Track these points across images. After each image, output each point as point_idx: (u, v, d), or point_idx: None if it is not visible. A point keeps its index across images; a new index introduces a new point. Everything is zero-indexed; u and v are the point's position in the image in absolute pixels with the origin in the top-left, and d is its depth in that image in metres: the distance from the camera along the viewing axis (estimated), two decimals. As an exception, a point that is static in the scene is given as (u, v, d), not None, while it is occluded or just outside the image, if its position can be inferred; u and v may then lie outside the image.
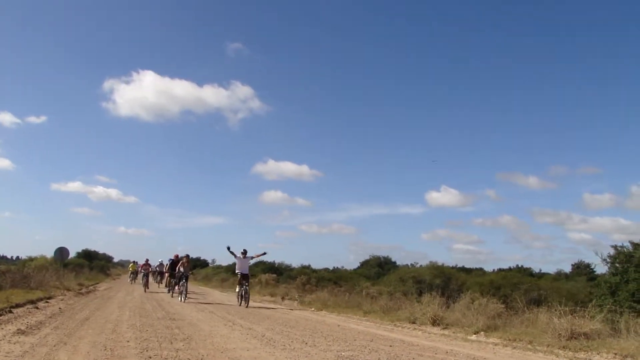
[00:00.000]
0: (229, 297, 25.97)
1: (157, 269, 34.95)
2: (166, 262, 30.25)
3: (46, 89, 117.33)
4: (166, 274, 28.25)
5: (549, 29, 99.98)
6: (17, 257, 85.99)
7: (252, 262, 21.57)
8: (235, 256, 19.96)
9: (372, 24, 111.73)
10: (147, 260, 34.92)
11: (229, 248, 19.79)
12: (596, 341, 9.92)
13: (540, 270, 53.62)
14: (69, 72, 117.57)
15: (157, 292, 27.13)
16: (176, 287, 22.62)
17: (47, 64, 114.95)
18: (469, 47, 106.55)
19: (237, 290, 20.17)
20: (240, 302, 19.30)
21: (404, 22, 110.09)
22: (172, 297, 22.81)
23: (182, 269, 21.45)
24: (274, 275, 41.36)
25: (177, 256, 25.02)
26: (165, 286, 28.38)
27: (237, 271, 20.07)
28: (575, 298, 17.66)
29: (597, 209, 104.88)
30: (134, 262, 43.25)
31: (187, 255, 22.14)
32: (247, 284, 19.60)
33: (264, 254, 21.29)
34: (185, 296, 20.50)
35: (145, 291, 27.51)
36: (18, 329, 9.55)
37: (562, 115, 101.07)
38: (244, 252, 20.13)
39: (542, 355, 9.08)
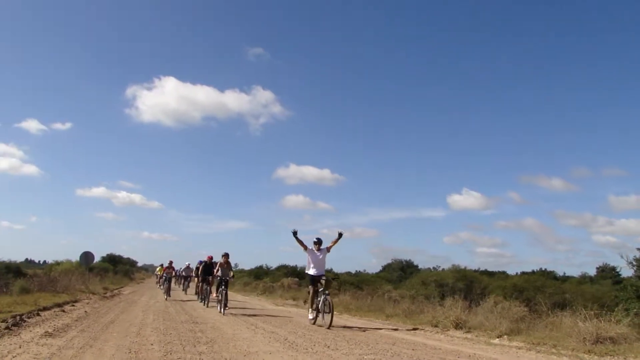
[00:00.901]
0: (278, 307, 24.29)
1: (183, 272, 31.85)
2: (194, 266, 27.95)
3: (71, 96, 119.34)
4: (196, 279, 24.63)
5: (574, 29, 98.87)
6: (45, 262, 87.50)
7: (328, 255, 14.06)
8: (305, 248, 13.73)
9: (393, 27, 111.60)
10: (171, 262, 28.73)
11: (295, 233, 13.48)
12: (623, 345, 9.76)
13: (565, 273, 53.03)
14: (92, 79, 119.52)
15: (184, 300, 23.38)
16: (213, 295, 19.38)
17: (72, 71, 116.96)
18: (491, 49, 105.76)
19: (310, 300, 13.82)
20: (316, 319, 13.42)
21: (425, 25, 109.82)
22: (206, 306, 19.24)
23: (219, 273, 17.64)
24: (296, 279, 41.42)
25: (210, 258, 21.14)
26: (195, 293, 25.16)
27: (310, 272, 13.76)
28: (601, 302, 17.43)
29: (622, 210, 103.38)
30: (161, 265, 37.41)
31: (227, 255, 18.08)
32: (327, 292, 12.95)
33: (341, 235, 13.78)
34: (225, 306, 16.44)
35: (166, 299, 23.70)
36: (45, 332, 9.76)
37: (585, 116, 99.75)
38: (319, 242, 13.84)
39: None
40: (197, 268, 23.81)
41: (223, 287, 17.04)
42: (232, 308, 17.76)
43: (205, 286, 20.58)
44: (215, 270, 18.46)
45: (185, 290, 31.29)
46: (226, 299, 16.69)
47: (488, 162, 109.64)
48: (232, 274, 18.08)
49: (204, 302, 20.15)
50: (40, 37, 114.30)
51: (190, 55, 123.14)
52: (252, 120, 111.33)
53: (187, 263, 31.23)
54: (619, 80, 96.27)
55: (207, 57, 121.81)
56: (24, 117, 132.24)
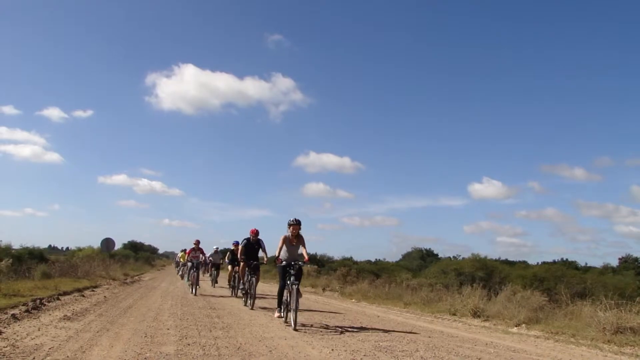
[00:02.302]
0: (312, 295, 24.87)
1: (210, 259, 24.17)
2: (223, 250, 24.07)
3: (91, 84, 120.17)
4: (229, 267, 18.75)
5: (596, 17, 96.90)
6: (67, 248, 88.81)
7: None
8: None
9: (413, 15, 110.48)
10: (198, 242, 20.01)
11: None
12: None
13: (586, 264, 52.18)
14: (112, 67, 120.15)
15: (215, 296, 17.32)
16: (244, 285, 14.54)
17: (92, 59, 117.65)
18: (515, 35, 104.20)
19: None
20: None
21: (447, 13, 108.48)
22: (250, 307, 13.35)
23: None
24: (315, 266, 41.54)
25: (255, 232, 14.17)
26: (230, 285, 19.17)
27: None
28: (622, 292, 17.11)
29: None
30: (183, 250, 31.53)
31: (256, 232, 14.13)
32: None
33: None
34: (254, 299, 13.62)
35: (194, 293, 17.61)
36: (64, 315, 9.88)
37: (608, 105, 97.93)
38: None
39: (585, 349, 8.83)
40: (232, 251, 18.24)
41: (250, 275, 13.77)
42: (257, 299, 15.59)
43: (248, 275, 14.05)
44: (239, 253, 14.42)
45: (213, 282, 23.44)
46: (254, 290, 13.68)
47: (509, 151, 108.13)
48: (265, 258, 14.03)
49: (245, 299, 14.31)
50: (61, 26, 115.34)
51: (209, 42, 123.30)
52: (272, 108, 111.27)
53: (215, 247, 24.22)
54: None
55: (226, 44, 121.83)
56: (46, 105, 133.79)
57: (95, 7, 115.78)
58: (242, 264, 14.35)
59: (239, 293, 15.91)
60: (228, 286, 20.03)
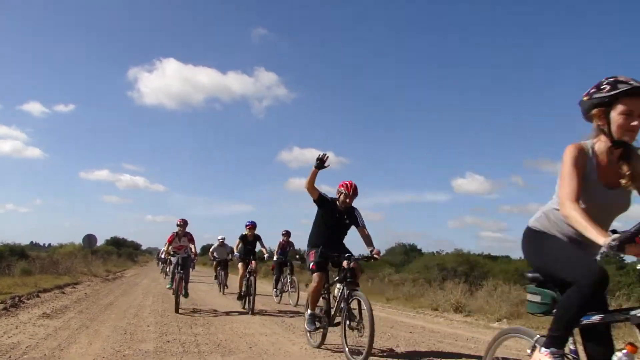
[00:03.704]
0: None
1: (215, 255, 18.38)
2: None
3: (73, 78, 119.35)
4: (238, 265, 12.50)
5: (581, 10, 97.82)
6: (49, 244, 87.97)
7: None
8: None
9: (398, 8, 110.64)
10: (184, 223, 12.30)
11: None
12: (622, 330, 9.72)
13: (568, 258, 52.77)
14: (94, 61, 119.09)
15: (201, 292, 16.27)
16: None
17: (73, 53, 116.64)
18: (498, 28, 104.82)
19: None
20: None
21: (429, 6, 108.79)
22: (250, 312, 11.10)
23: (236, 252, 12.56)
24: (298, 262, 41.48)
25: (251, 227, 12.54)
26: (240, 294, 12.25)
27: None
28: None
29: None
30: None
31: (253, 225, 12.62)
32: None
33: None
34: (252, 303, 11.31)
35: (177, 308, 10.96)
36: (44, 313, 9.77)
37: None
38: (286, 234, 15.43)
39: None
40: (244, 237, 12.56)
41: (248, 272, 11.91)
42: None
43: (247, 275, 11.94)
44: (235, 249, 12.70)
45: (222, 287, 18.12)
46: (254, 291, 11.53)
47: (492, 145, 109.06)
48: (266, 253, 13.07)
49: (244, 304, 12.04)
50: (42, 19, 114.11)
51: (190, 36, 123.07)
52: (256, 103, 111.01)
53: (220, 238, 18.52)
54: (630, 65, 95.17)
55: (208, 38, 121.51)
56: (26, 99, 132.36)
57: (76, 1, 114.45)
58: (240, 265, 12.28)
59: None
60: (238, 297, 12.47)
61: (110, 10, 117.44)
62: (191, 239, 12.28)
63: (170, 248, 12.16)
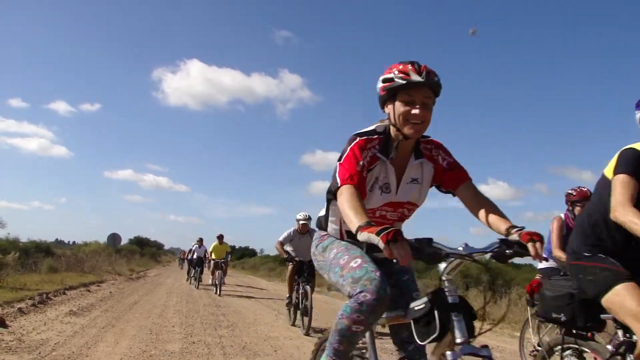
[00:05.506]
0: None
1: (190, 256, 19.61)
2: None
3: (99, 78, 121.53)
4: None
5: (605, 21, 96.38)
6: (74, 242, 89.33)
7: None
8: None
9: (422, 16, 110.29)
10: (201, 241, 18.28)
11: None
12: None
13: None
14: (119, 62, 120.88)
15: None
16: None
17: (99, 54, 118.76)
18: (521, 38, 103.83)
19: None
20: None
21: (451, 14, 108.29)
22: (304, 331, 8.61)
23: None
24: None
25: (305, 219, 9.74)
26: (289, 303, 9.81)
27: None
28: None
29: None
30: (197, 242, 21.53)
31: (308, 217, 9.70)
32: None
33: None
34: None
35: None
36: (70, 310, 9.88)
37: (618, 108, 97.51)
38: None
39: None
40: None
41: (302, 282, 9.25)
42: (262, 298, 17.44)
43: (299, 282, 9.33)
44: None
45: (197, 282, 18.86)
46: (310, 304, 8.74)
47: (514, 153, 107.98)
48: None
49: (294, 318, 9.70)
50: (68, 21, 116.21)
51: (214, 37, 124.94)
52: (280, 105, 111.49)
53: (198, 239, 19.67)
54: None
55: (232, 40, 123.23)
56: (53, 98, 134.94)
57: (102, 2, 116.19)
58: (289, 267, 9.67)
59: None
60: (286, 308, 10.15)
61: (136, 11, 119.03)
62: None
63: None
